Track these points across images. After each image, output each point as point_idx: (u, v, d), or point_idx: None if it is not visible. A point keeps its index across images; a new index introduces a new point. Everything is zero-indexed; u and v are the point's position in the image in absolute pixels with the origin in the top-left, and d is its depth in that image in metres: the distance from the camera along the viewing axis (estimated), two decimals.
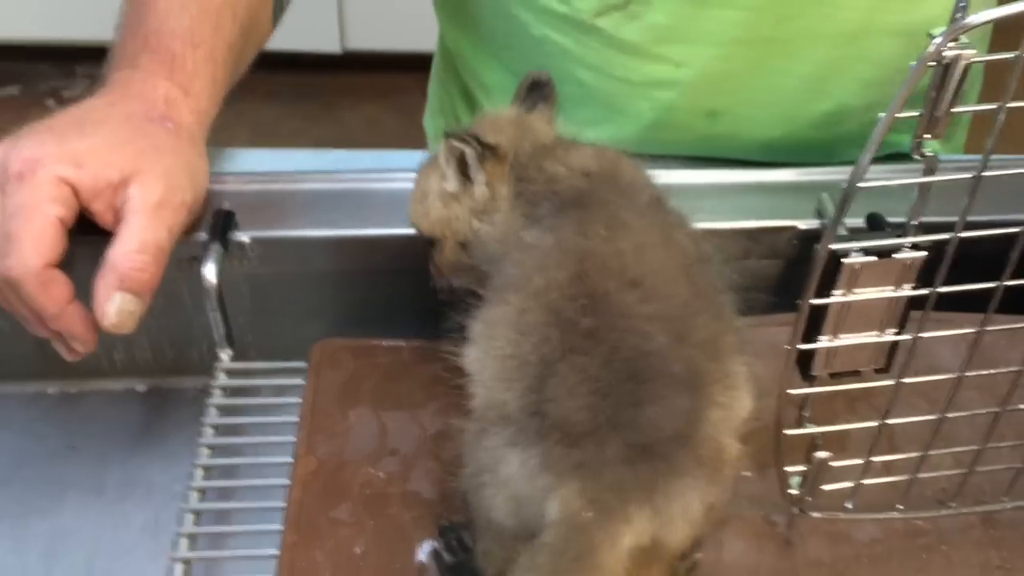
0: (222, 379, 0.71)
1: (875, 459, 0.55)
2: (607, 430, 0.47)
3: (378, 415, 0.67)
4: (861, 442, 0.57)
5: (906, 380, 0.51)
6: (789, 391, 0.48)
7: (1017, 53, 0.39)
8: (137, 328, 0.62)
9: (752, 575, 0.59)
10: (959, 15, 0.36)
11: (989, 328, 0.49)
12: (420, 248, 0.64)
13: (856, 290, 0.46)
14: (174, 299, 0.73)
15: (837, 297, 0.45)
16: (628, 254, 0.52)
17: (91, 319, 0.62)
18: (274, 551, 0.59)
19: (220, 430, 0.68)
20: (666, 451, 0.47)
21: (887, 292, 0.46)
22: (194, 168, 0.68)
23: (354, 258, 0.73)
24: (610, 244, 0.52)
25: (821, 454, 0.52)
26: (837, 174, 0.79)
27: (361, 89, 2.47)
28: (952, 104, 0.39)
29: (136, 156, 0.63)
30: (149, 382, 0.78)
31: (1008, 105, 0.41)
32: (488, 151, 0.58)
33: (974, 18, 0.36)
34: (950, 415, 0.54)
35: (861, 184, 0.39)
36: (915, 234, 0.45)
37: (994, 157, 0.43)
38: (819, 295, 0.45)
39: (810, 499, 0.56)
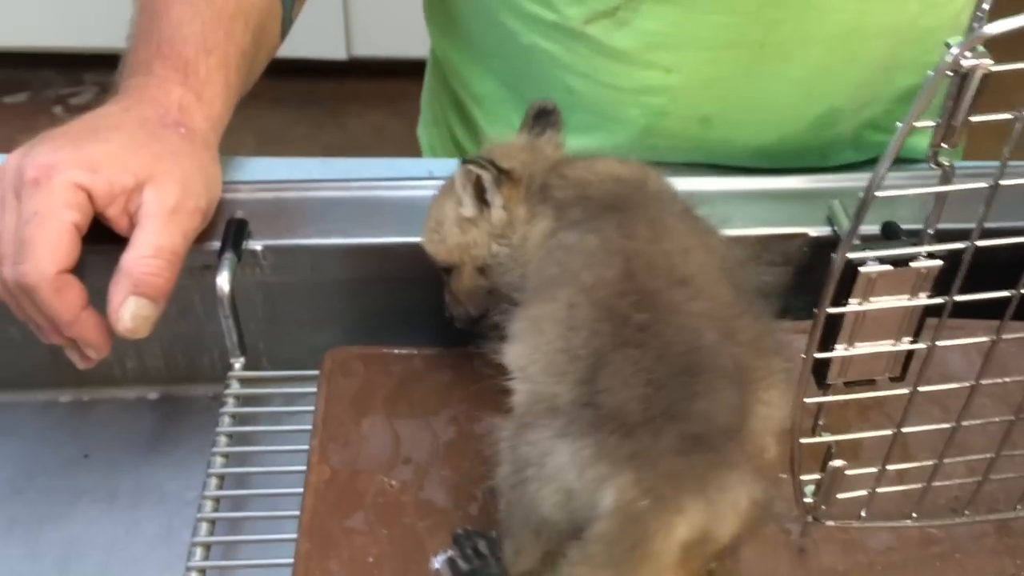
0: (235, 387, 0.71)
1: (889, 467, 0.55)
2: (662, 421, 0.48)
3: (391, 423, 0.67)
4: (874, 450, 0.57)
5: (922, 389, 0.50)
6: (805, 400, 0.48)
7: None
8: (149, 336, 0.62)
9: None
10: (976, 25, 0.37)
11: (1005, 336, 0.49)
12: (436, 277, 0.65)
13: (872, 299, 0.46)
14: (186, 307, 0.73)
15: (853, 306, 0.45)
16: (674, 255, 0.54)
17: (105, 325, 0.62)
18: (288, 560, 0.59)
19: (233, 439, 0.68)
20: (718, 443, 0.48)
21: (903, 301, 0.46)
22: (208, 173, 0.68)
23: (366, 266, 0.73)
24: (655, 245, 0.54)
25: (836, 463, 0.52)
26: (846, 181, 0.79)
27: (367, 96, 2.47)
28: (969, 113, 0.39)
29: (151, 161, 0.64)
30: (161, 390, 0.78)
31: None
32: (503, 175, 0.59)
33: (992, 28, 0.36)
34: (965, 423, 0.54)
35: (879, 193, 0.39)
36: (931, 243, 0.45)
37: (1009, 164, 0.43)
38: (835, 304, 0.45)
39: (824, 507, 0.56)
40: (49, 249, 0.59)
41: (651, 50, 0.81)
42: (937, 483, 0.57)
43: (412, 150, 1.11)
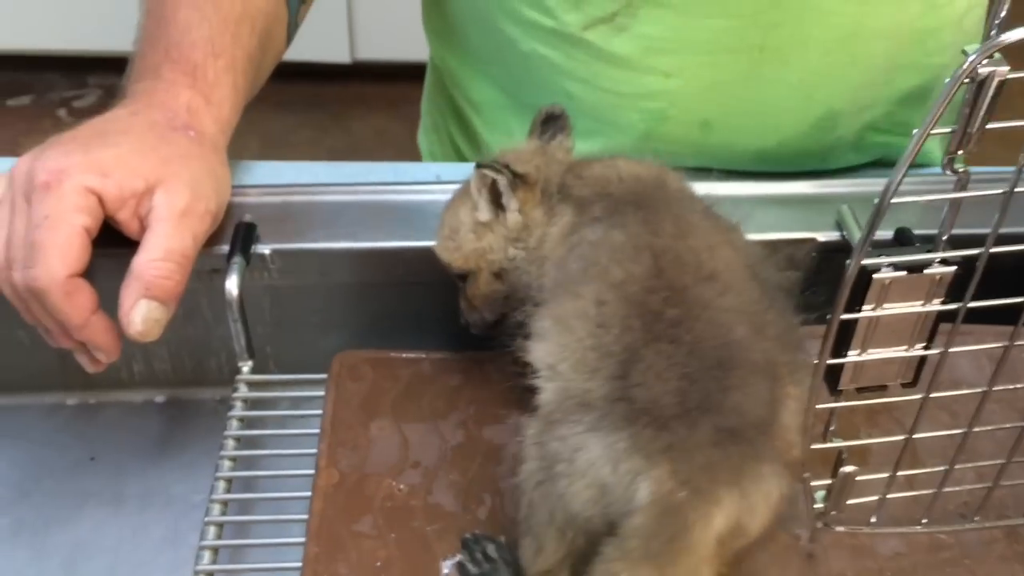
0: (243, 391, 0.71)
1: (900, 473, 0.55)
2: (697, 414, 0.48)
3: (399, 427, 0.67)
4: (883, 455, 0.57)
5: (935, 395, 0.50)
6: (818, 406, 0.48)
7: None
8: (157, 339, 0.62)
9: None
10: (994, 32, 0.37)
11: (1018, 343, 0.49)
12: (444, 281, 0.65)
13: (886, 305, 0.46)
14: (194, 311, 0.73)
15: (867, 312, 0.45)
16: (701, 251, 0.54)
17: (115, 329, 0.62)
18: (296, 564, 0.59)
19: (241, 442, 0.68)
20: (751, 436, 0.49)
21: (917, 307, 0.46)
22: (217, 176, 0.68)
23: (374, 270, 0.73)
24: (681, 241, 0.55)
25: (847, 468, 0.52)
26: (854, 186, 0.80)
27: (370, 99, 2.47)
28: (986, 120, 0.39)
29: (161, 165, 0.64)
30: (168, 393, 0.78)
31: None
32: (518, 178, 0.60)
33: (1010, 35, 0.36)
34: (976, 429, 0.54)
35: (895, 199, 0.39)
36: (945, 249, 0.45)
37: None
38: (848, 310, 0.45)
39: (834, 513, 0.56)
40: (60, 253, 0.60)
41: (650, 55, 0.81)
42: (947, 489, 0.57)
43: (415, 154, 1.11)
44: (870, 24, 0.79)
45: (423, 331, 0.73)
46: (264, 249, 0.71)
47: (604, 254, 0.55)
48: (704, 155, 0.85)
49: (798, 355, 0.53)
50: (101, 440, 0.75)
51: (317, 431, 0.67)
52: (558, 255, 0.58)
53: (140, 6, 0.76)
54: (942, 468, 0.56)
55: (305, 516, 0.62)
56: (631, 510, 0.48)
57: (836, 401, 0.50)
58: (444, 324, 0.70)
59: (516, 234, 0.61)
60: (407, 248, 0.72)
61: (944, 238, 0.45)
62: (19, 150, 0.65)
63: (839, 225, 0.73)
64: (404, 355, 0.72)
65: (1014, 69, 0.39)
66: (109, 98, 0.73)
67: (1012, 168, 0.43)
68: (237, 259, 0.68)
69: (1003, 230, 0.45)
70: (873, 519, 0.58)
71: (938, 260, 0.45)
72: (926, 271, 0.45)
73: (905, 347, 0.48)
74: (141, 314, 0.60)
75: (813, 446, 0.51)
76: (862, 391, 0.51)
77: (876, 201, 0.40)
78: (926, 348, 0.49)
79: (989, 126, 0.39)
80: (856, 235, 0.71)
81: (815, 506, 0.55)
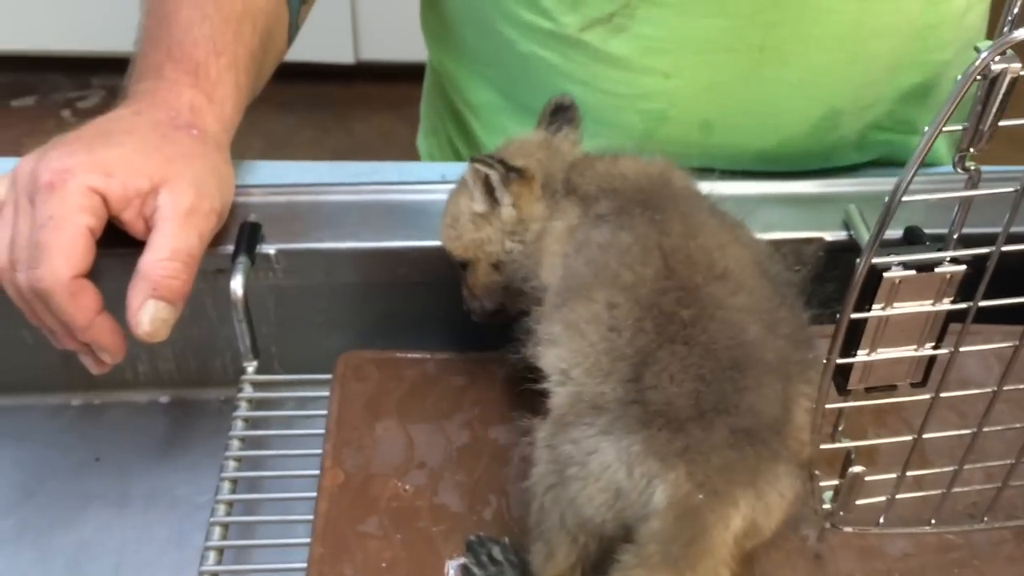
0: (247, 391, 0.71)
1: (908, 473, 0.55)
2: (712, 415, 0.48)
3: (405, 428, 0.67)
4: (890, 456, 0.57)
5: (944, 395, 0.50)
6: (827, 406, 0.47)
7: None
8: (165, 339, 0.62)
9: None
10: (1007, 28, 0.36)
11: None
12: (453, 271, 0.65)
13: (895, 304, 0.45)
14: (198, 311, 0.73)
15: (877, 311, 0.45)
16: (712, 250, 0.54)
17: (119, 329, 0.62)
18: (301, 564, 0.59)
19: (246, 442, 0.68)
20: (766, 436, 0.49)
21: (927, 306, 0.46)
22: (221, 175, 0.68)
23: (379, 270, 0.73)
24: (691, 240, 0.54)
25: (856, 468, 0.52)
26: (861, 185, 0.79)
27: (373, 100, 2.47)
28: (998, 118, 0.38)
29: (165, 164, 0.64)
30: (172, 393, 0.78)
31: None
32: (514, 173, 0.59)
33: (1022, 32, 0.36)
34: (986, 429, 0.53)
35: (906, 198, 0.39)
36: (955, 248, 0.45)
37: None
38: (857, 309, 0.45)
39: (843, 513, 0.55)
40: (64, 253, 0.59)
41: (649, 55, 0.80)
42: (956, 489, 0.56)
43: (418, 154, 1.11)
44: (870, 22, 0.79)
45: (428, 331, 0.73)
46: (269, 249, 0.71)
47: (613, 257, 0.54)
48: (705, 156, 0.85)
49: (809, 353, 0.52)
50: (106, 441, 0.75)
51: (322, 431, 0.66)
52: (561, 251, 0.58)
53: (141, 6, 0.76)
54: (951, 468, 0.56)
55: (310, 517, 0.61)
56: (647, 514, 0.48)
57: (845, 401, 0.50)
58: (449, 324, 0.70)
59: (511, 227, 0.61)
60: (412, 248, 0.72)
61: (955, 237, 0.45)
62: (22, 151, 0.65)
63: (846, 224, 0.73)
64: (409, 355, 0.71)
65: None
66: (113, 99, 0.73)
67: (1022, 168, 0.43)
68: (242, 259, 0.68)
69: (1013, 229, 0.45)
70: (881, 520, 0.58)
71: (948, 259, 0.45)
72: (936, 270, 0.45)
73: (915, 347, 0.48)
74: (149, 314, 0.60)
75: (822, 446, 0.51)
76: (871, 391, 0.50)
77: (886, 200, 0.40)
78: (935, 348, 0.48)
79: (1001, 123, 0.39)
80: (864, 234, 0.71)
81: (823, 506, 0.55)
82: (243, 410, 0.69)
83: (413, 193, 0.76)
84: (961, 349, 0.48)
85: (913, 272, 0.45)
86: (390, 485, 0.63)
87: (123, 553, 0.68)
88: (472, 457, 0.65)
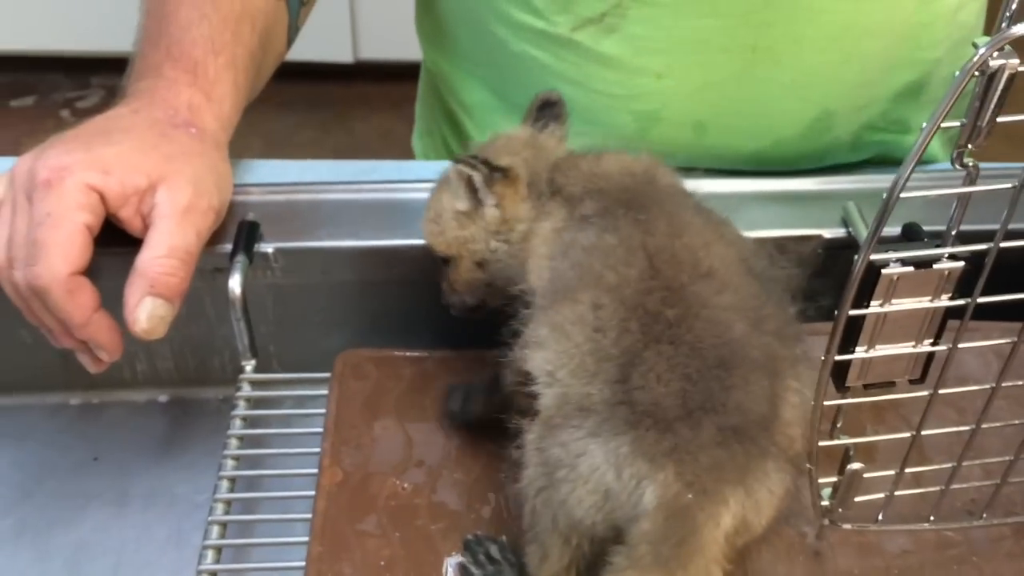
0: (246, 390, 0.71)
1: (907, 470, 0.55)
2: (700, 414, 0.48)
3: (403, 426, 0.67)
4: (889, 452, 0.57)
5: (943, 391, 0.50)
6: (826, 402, 0.47)
7: None
8: (160, 338, 0.62)
9: None
10: (1005, 24, 0.36)
11: None
12: (434, 266, 0.65)
13: (893, 300, 0.45)
14: (197, 309, 0.73)
15: (875, 308, 0.45)
16: (697, 248, 0.53)
17: (117, 327, 0.62)
18: (300, 563, 0.59)
19: (244, 441, 0.68)
20: (754, 434, 0.48)
21: (925, 303, 0.46)
22: (219, 173, 0.68)
23: (378, 268, 0.72)
24: (676, 239, 0.54)
25: (854, 465, 0.52)
26: (859, 182, 0.79)
27: (373, 99, 2.47)
28: (996, 114, 0.38)
29: (163, 162, 0.64)
30: (171, 392, 0.78)
31: None
32: (498, 173, 0.59)
33: (1021, 28, 0.35)
34: (984, 426, 0.53)
35: (904, 194, 0.39)
36: (954, 244, 0.45)
37: None
38: (856, 306, 0.45)
39: (841, 510, 0.55)
40: (61, 251, 0.59)
41: (641, 55, 0.80)
42: (954, 486, 0.56)
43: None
44: (863, 21, 0.79)
45: (426, 329, 0.72)
46: (267, 248, 0.71)
47: (598, 259, 0.54)
48: (699, 157, 0.85)
49: (797, 348, 0.52)
50: (104, 440, 0.75)
51: (320, 430, 0.66)
52: (548, 253, 0.57)
53: (140, 6, 0.76)
54: (949, 465, 0.56)
55: (309, 515, 0.61)
56: (637, 515, 0.48)
57: (843, 398, 0.50)
58: (448, 322, 0.70)
59: (496, 227, 0.60)
60: (410, 246, 0.71)
61: (953, 233, 0.45)
62: (22, 151, 0.65)
63: (845, 222, 0.73)
64: (407, 354, 0.71)
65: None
66: (112, 99, 0.73)
67: (1020, 164, 0.43)
68: (240, 258, 0.68)
69: (1011, 225, 0.45)
70: (880, 516, 0.58)
71: (946, 256, 0.45)
72: (935, 266, 0.45)
73: (913, 343, 0.48)
74: (146, 311, 0.60)
75: (820, 443, 0.51)
76: (869, 388, 0.50)
77: (884, 196, 0.40)
78: (934, 344, 0.48)
79: (999, 120, 0.39)
80: (862, 231, 0.71)
81: (822, 503, 0.55)
82: (241, 409, 0.69)
83: (411, 192, 0.75)
84: (959, 346, 0.48)
85: (911, 269, 0.45)
86: (388, 483, 0.63)
87: (122, 552, 0.68)
88: (470, 455, 0.65)
